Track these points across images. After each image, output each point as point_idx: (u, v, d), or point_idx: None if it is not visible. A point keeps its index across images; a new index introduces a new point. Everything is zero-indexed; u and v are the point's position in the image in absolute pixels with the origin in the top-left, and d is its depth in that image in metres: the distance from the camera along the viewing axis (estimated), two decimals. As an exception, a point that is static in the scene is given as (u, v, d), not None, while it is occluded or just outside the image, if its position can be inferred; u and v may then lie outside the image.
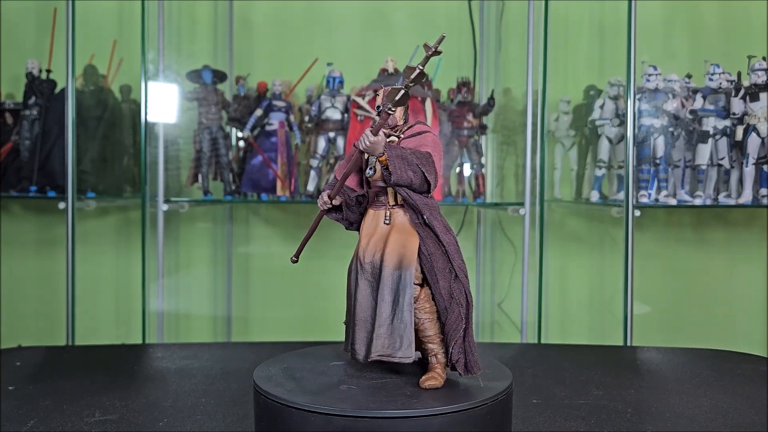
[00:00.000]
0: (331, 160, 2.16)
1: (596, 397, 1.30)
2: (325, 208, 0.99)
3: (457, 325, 0.91)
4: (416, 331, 0.92)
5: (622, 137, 2.12)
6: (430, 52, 0.88)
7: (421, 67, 0.89)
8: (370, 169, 0.93)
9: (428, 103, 2.07)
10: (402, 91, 0.90)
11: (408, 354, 0.90)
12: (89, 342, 1.95)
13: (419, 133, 0.94)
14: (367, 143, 0.90)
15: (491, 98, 2.20)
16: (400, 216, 0.94)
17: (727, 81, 2.06)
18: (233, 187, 2.20)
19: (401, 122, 0.97)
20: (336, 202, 0.98)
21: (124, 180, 2.35)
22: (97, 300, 2.49)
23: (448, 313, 0.91)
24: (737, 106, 2.03)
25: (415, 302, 0.92)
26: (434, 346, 0.93)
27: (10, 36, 2.42)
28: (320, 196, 0.99)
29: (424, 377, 0.92)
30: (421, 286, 0.93)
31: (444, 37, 0.89)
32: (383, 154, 0.90)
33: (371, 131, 0.91)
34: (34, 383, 1.36)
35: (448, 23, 2.57)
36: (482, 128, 2.22)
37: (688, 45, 2.55)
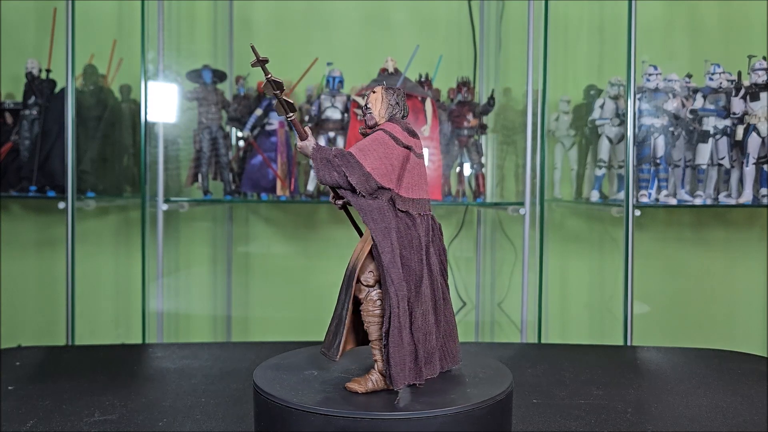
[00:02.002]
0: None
1: (596, 397, 1.30)
2: (338, 207, 1.00)
3: (381, 333, 0.88)
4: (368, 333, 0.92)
5: (622, 137, 2.12)
6: (254, 63, 0.93)
7: (267, 78, 0.93)
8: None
9: (428, 103, 2.07)
10: (276, 100, 0.94)
11: (333, 354, 0.92)
12: (89, 342, 1.95)
13: (373, 132, 0.93)
14: (299, 148, 0.92)
15: (491, 98, 2.20)
16: None
17: (728, 81, 2.06)
18: (233, 187, 2.20)
19: (383, 121, 0.95)
20: (340, 202, 0.99)
21: (123, 180, 2.35)
22: (97, 300, 2.49)
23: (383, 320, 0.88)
24: (737, 105, 2.03)
25: (361, 304, 0.92)
26: (375, 351, 0.91)
27: (10, 36, 2.42)
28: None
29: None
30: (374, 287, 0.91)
31: (252, 45, 0.94)
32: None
33: (299, 136, 0.92)
34: (34, 383, 1.36)
35: (448, 23, 2.57)
36: (482, 128, 2.22)
37: (688, 45, 2.55)
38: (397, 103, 0.95)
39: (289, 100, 0.95)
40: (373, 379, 0.90)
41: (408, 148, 0.91)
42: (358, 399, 0.85)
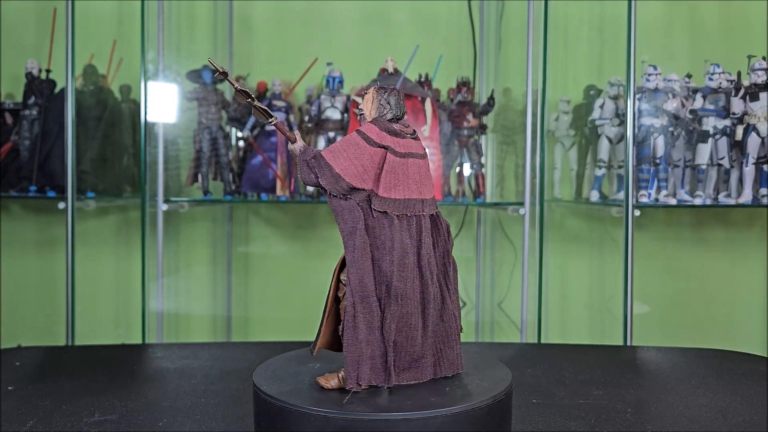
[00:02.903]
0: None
1: (596, 397, 1.30)
2: None
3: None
4: None
5: (622, 137, 2.12)
6: (217, 76, 0.96)
7: (236, 88, 0.96)
8: None
9: (428, 103, 2.07)
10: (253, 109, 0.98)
11: (311, 349, 0.96)
12: (89, 342, 1.95)
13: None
14: (290, 150, 0.95)
15: (491, 98, 2.20)
16: None
17: (727, 81, 2.06)
18: (233, 187, 2.21)
19: None
20: None
21: (123, 180, 2.35)
22: (97, 300, 2.49)
23: None
24: (737, 105, 2.03)
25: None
26: None
27: (10, 36, 2.42)
28: None
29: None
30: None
31: (210, 59, 0.98)
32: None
33: (288, 140, 0.96)
34: (34, 383, 1.36)
35: (448, 23, 2.57)
36: (482, 128, 2.22)
37: (688, 45, 2.56)
38: (388, 102, 0.94)
39: (263, 107, 0.97)
40: (340, 377, 0.90)
41: (385, 147, 0.91)
42: (357, 399, 0.85)
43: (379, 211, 0.89)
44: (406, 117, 0.97)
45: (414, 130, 0.97)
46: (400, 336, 0.89)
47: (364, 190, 0.89)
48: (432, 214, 0.95)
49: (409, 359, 0.90)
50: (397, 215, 0.90)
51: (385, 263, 0.88)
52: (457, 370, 0.95)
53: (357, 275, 0.88)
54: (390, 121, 0.94)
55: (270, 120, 0.97)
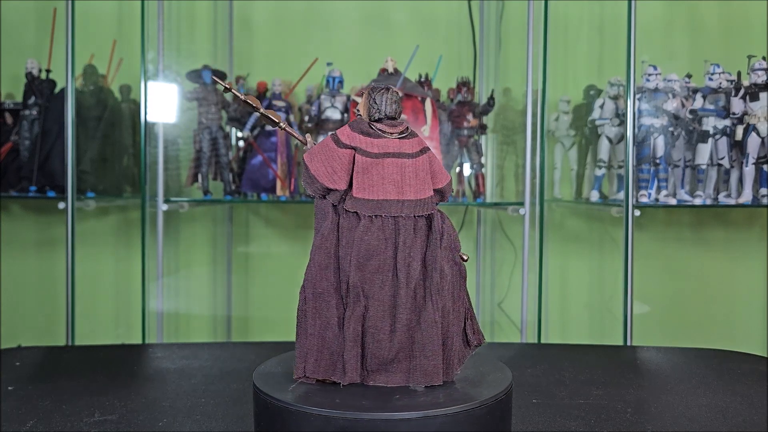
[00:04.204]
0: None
1: (596, 397, 1.30)
2: None
3: None
4: None
5: (622, 137, 2.12)
6: (225, 91, 1.00)
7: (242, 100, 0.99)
8: None
9: (428, 103, 2.07)
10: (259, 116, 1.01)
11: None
12: (89, 342, 1.95)
13: None
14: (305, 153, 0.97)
15: (491, 98, 2.20)
16: None
17: (727, 81, 2.06)
18: (233, 187, 2.21)
19: None
20: None
21: (123, 180, 2.35)
22: (97, 300, 2.49)
23: None
24: (737, 105, 2.03)
25: None
26: None
27: (10, 36, 2.42)
28: None
29: None
30: None
31: (213, 77, 1.06)
32: None
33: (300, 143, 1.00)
34: (34, 383, 1.36)
35: (448, 23, 2.57)
36: (482, 128, 2.22)
37: (688, 45, 2.56)
38: (374, 101, 0.93)
39: (267, 114, 1.00)
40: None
41: (354, 148, 0.91)
42: (357, 399, 0.85)
43: (351, 212, 0.90)
44: (404, 116, 0.97)
45: (407, 129, 0.94)
46: (367, 337, 0.88)
47: (338, 190, 0.90)
48: (425, 216, 0.91)
49: (377, 362, 0.89)
50: (369, 216, 0.89)
51: (346, 263, 0.89)
52: (432, 381, 0.88)
53: (311, 272, 0.90)
54: (378, 120, 0.93)
55: (280, 125, 0.99)
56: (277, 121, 1.00)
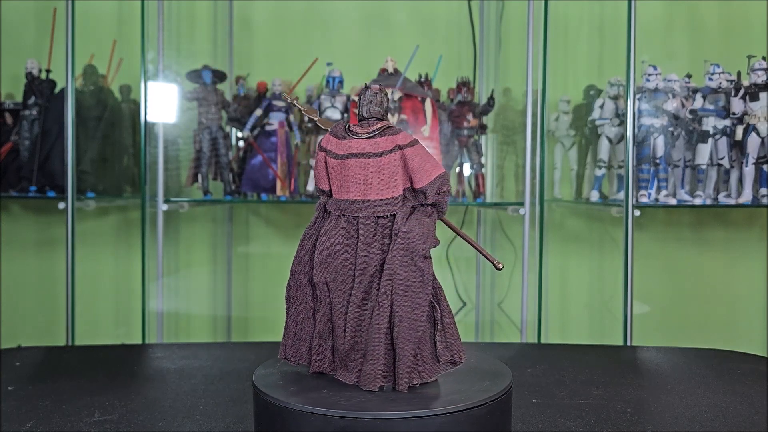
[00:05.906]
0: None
1: (596, 397, 1.30)
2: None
3: None
4: None
5: (622, 137, 2.12)
6: (304, 111, 1.06)
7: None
8: None
9: (428, 103, 2.07)
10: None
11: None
12: (89, 342, 1.95)
13: None
14: None
15: (491, 98, 2.20)
16: None
17: (727, 81, 2.06)
18: (233, 187, 2.21)
19: None
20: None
21: (123, 180, 2.35)
22: (97, 300, 2.49)
23: None
24: (737, 105, 2.03)
25: None
26: None
27: (10, 36, 2.42)
28: None
29: None
30: None
31: (290, 100, 1.08)
32: None
33: None
34: (34, 383, 1.36)
35: (448, 23, 2.57)
36: (482, 128, 2.22)
37: (688, 45, 2.56)
38: (362, 100, 0.93)
39: (324, 120, 1.07)
40: None
41: (325, 151, 0.93)
42: (357, 399, 0.85)
43: (327, 211, 0.94)
44: (397, 115, 0.98)
45: (378, 128, 0.91)
46: (333, 332, 0.92)
47: (326, 191, 0.96)
48: (389, 216, 0.89)
49: (339, 356, 0.91)
50: (336, 215, 0.92)
51: (313, 258, 0.93)
52: (369, 386, 0.86)
53: (293, 264, 0.97)
54: (360, 120, 0.94)
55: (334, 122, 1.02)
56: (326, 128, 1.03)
